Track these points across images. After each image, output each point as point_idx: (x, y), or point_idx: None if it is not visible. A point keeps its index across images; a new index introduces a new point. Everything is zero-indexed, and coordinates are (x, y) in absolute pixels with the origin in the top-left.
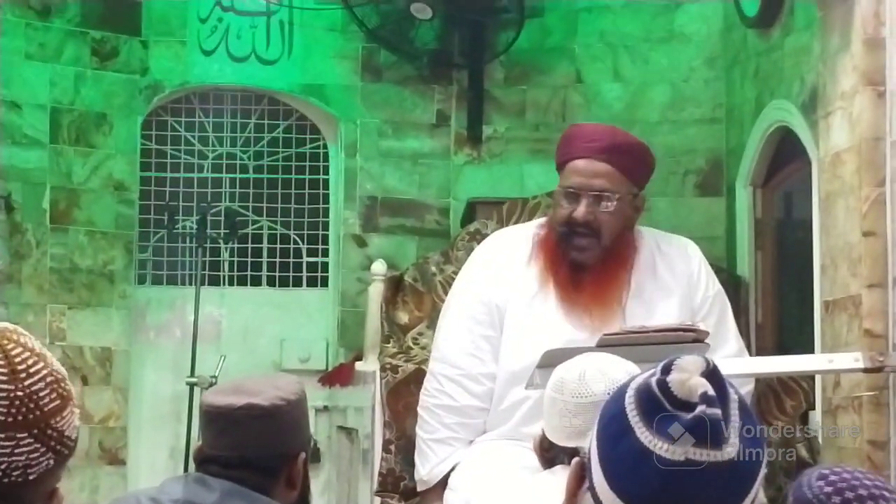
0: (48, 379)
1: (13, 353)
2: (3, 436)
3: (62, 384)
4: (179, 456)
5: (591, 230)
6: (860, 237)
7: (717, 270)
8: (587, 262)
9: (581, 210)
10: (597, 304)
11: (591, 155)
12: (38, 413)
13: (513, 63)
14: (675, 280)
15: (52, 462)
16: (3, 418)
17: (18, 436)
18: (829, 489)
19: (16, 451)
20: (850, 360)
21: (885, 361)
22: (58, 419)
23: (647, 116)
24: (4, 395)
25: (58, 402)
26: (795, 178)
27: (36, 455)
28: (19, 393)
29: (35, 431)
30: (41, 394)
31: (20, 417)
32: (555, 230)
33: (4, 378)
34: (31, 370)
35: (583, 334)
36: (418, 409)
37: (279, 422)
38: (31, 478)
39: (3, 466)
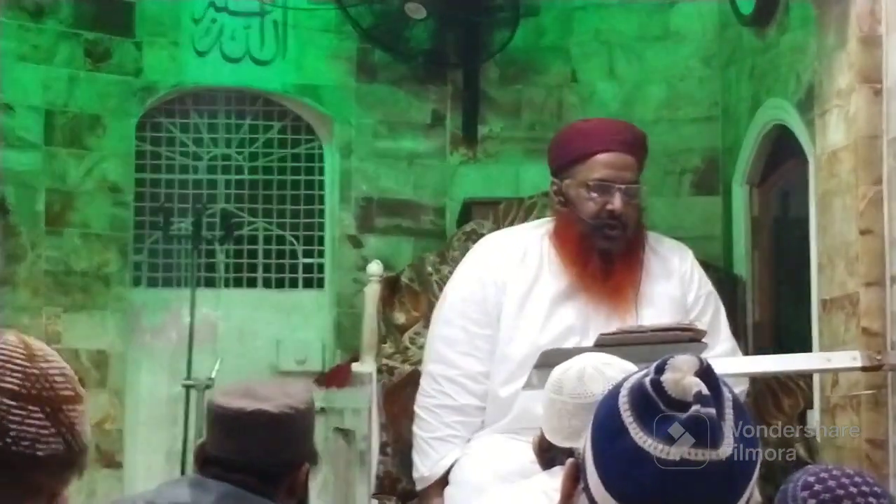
0: (65, 371)
1: (31, 342)
2: (14, 404)
3: (74, 383)
4: (176, 459)
5: (620, 223)
6: (857, 235)
7: (714, 270)
8: (614, 251)
9: (617, 202)
10: (621, 295)
11: (617, 148)
12: (51, 393)
13: (508, 62)
14: (669, 279)
15: (60, 448)
16: (16, 389)
17: (30, 408)
18: (812, 501)
19: (26, 421)
20: (848, 358)
21: (884, 360)
22: (70, 408)
23: (643, 115)
24: (20, 369)
25: (70, 393)
26: (792, 177)
27: (45, 433)
28: (34, 371)
29: (47, 410)
30: (56, 378)
31: (33, 391)
32: (578, 224)
33: (21, 357)
34: (48, 357)
35: (598, 326)
36: (416, 408)
37: (287, 430)
38: (38, 454)
39: (12, 434)
